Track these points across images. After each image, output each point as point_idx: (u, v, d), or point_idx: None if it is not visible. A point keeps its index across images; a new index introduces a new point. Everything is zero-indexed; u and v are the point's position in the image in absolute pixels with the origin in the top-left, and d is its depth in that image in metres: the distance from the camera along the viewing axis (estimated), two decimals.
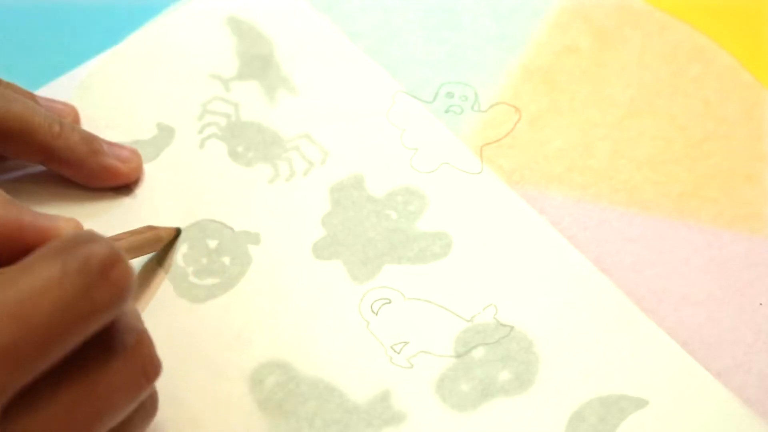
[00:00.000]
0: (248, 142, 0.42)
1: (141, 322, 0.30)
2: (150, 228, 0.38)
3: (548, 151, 0.41)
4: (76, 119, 0.42)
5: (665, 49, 0.44)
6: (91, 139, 0.40)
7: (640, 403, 0.34)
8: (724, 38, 0.44)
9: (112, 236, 0.34)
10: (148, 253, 0.38)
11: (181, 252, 0.39)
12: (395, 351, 0.36)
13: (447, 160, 0.41)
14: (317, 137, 0.42)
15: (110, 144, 0.40)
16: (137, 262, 0.38)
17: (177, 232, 0.39)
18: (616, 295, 0.37)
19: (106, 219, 0.40)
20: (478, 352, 0.36)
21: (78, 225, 0.30)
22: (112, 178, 0.40)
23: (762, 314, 0.36)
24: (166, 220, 0.39)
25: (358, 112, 0.43)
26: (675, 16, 0.45)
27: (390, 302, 0.37)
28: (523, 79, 0.43)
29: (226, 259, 0.38)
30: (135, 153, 0.41)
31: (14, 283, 0.25)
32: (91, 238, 0.27)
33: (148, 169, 0.41)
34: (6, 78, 0.40)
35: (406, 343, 0.36)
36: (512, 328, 0.36)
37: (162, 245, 0.38)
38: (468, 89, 0.43)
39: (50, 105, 0.41)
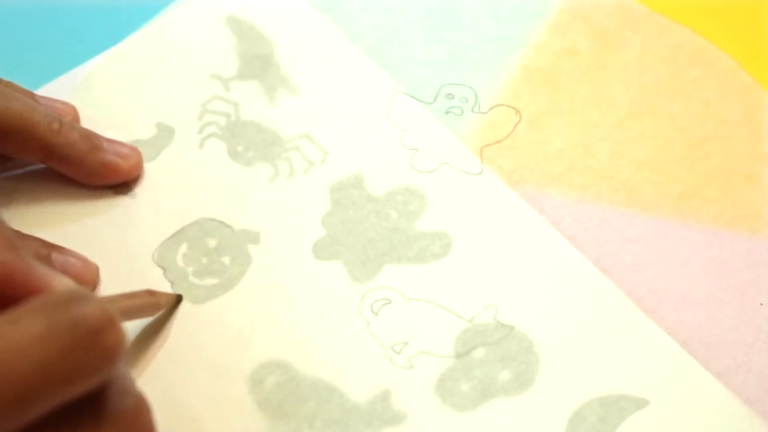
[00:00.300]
0: (248, 141, 0.42)
1: (136, 387, 0.29)
2: (149, 292, 0.36)
3: (548, 151, 0.41)
4: (75, 119, 0.42)
5: (665, 50, 0.44)
6: (90, 137, 0.40)
7: (641, 403, 0.34)
8: (723, 40, 0.44)
9: (107, 297, 0.33)
10: (143, 317, 0.36)
11: (180, 252, 0.39)
12: (395, 351, 0.36)
13: (447, 160, 0.41)
14: (317, 137, 0.42)
15: (110, 141, 0.40)
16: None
17: (177, 300, 0.37)
18: (616, 295, 0.37)
19: (106, 218, 0.39)
20: (479, 352, 0.36)
21: (73, 284, 0.28)
22: (112, 175, 0.40)
23: (762, 314, 0.36)
24: (165, 220, 0.39)
25: (358, 112, 0.43)
26: (675, 20, 0.45)
27: (390, 302, 0.37)
28: (523, 80, 0.43)
29: (226, 259, 0.38)
30: (135, 150, 0.41)
31: None
32: (84, 297, 0.26)
33: (148, 168, 0.41)
34: (6, 78, 0.40)
35: (406, 343, 0.36)
36: (512, 328, 0.36)
37: (159, 312, 0.36)
38: (468, 90, 0.43)
39: (50, 104, 0.41)
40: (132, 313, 0.34)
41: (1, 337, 0.24)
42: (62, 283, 0.28)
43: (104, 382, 0.26)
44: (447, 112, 0.42)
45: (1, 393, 0.24)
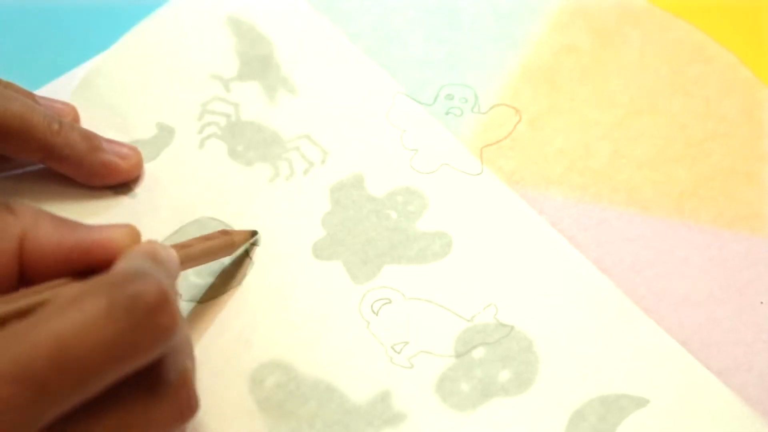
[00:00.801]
0: (248, 141, 0.42)
1: (189, 356, 0.30)
2: (224, 232, 0.37)
3: (548, 151, 0.41)
4: (75, 119, 0.42)
5: (665, 47, 0.44)
6: (90, 137, 0.40)
7: (641, 402, 0.34)
8: (724, 36, 0.44)
9: (183, 242, 0.34)
10: (222, 257, 0.37)
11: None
12: (395, 351, 0.36)
13: (447, 161, 0.41)
14: (317, 137, 0.42)
15: (110, 141, 0.41)
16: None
17: (252, 235, 0.38)
18: (616, 295, 0.37)
19: (106, 218, 0.39)
20: (479, 352, 0.35)
21: (133, 231, 0.30)
22: (112, 175, 0.40)
23: (762, 314, 0.36)
24: (165, 220, 0.39)
25: (358, 113, 0.43)
26: (675, 15, 0.45)
27: (390, 302, 0.37)
28: (522, 79, 0.43)
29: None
30: (135, 150, 0.41)
31: (60, 316, 0.25)
32: (143, 275, 0.27)
33: (148, 168, 0.41)
34: (6, 78, 0.40)
35: (406, 343, 0.36)
36: (512, 327, 0.36)
37: (235, 250, 0.38)
38: (468, 91, 0.43)
39: (50, 105, 0.41)
40: (210, 255, 0.36)
41: (64, 318, 0.25)
42: (121, 236, 0.30)
43: (157, 358, 0.27)
44: (447, 113, 0.42)
45: (64, 373, 0.25)
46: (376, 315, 0.37)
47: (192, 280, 0.38)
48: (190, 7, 0.46)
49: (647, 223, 0.39)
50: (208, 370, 0.35)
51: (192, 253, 0.34)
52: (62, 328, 0.25)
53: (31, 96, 0.40)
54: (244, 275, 0.38)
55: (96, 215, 0.40)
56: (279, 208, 0.40)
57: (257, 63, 0.44)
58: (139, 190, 0.41)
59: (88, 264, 0.29)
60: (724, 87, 0.43)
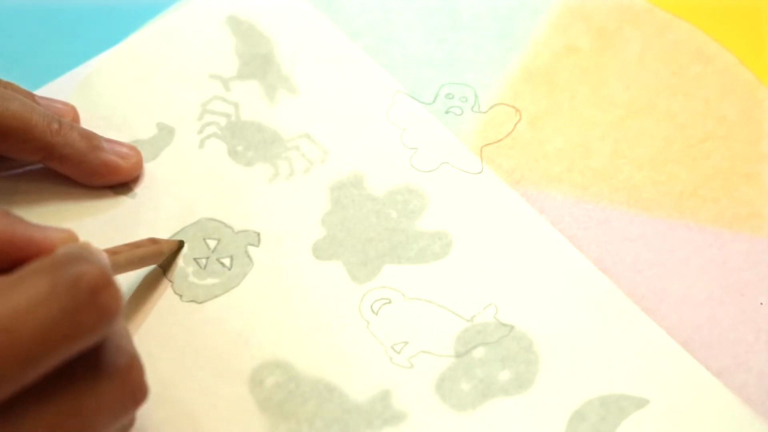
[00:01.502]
0: (248, 141, 0.42)
1: (132, 344, 0.30)
2: (152, 240, 0.37)
3: (548, 150, 0.41)
4: (75, 119, 0.42)
5: (665, 48, 0.44)
6: (90, 136, 0.40)
7: (641, 403, 0.34)
8: (724, 37, 0.44)
9: (111, 248, 0.34)
10: (149, 265, 0.37)
11: (181, 252, 0.39)
12: (395, 351, 0.36)
13: (447, 159, 0.41)
14: (317, 137, 0.42)
15: (110, 141, 0.40)
16: (141, 271, 0.38)
17: (179, 245, 0.39)
18: (616, 295, 0.37)
19: (106, 218, 0.39)
20: (479, 352, 0.36)
21: (72, 236, 0.30)
22: (111, 175, 0.40)
23: (762, 314, 0.36)
24: (165, 220, 0.39)
25: (358, 112, 0.43)
26: (675, 15, 0.45)
27: (390, 302, 0.37)
28: (523, 79, 0.43)
29: (226, 259, 0.38)
30: (135, 150, 0.41)
31: (1, 298, 0.25)
32: (83, 257, 0.27)
33: (148, 168, 0.41)
34: (6, 78, 0.40)
35: (406, 342, 0.36)
36: (512, 327, 0.36)
37: (163, 259, 0.38)
38: (468, 90, 0.43)
39: (49, 104, 0.41)
40: (137, 262, 0.36)
41: (6, 299, 0.25)
42: (62, 236, 0.29)
43: (101, 340, 0.27)
44: (447, 112, 0.42)
45: (7, 354, 0.25)
46: (376, 315, 0.37)
47: (191, 281, 0.38)
48: (190, 7, 0.46)
49: (647, 223, 0.39)
50: (208, 369, 0.35)
51: (119, 261, 0.33)
52: (4, 310, 0.25)
53: (31, 96, 0.40)
54: (244, 275, 0.38)
55: (96, 215, 0.40)
56: (279, 207, 0.40)
57: (257, 62, 0.44)
58: (139, 190, 0.41)
59: (20, 259, 0.28)
60: (724, 87, 0.43)
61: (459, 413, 0.34)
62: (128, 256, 0.34)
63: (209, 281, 0.38)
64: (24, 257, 0.28)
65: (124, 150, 0.41)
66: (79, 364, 0.27)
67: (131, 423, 0.32)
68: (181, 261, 0.38)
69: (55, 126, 0.38)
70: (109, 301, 0.26)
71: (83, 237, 0.38)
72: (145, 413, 0.33)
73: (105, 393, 0.28)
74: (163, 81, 0.44)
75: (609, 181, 0.40)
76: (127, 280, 0.37)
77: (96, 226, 0.39)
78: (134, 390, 0.29)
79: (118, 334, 0.29)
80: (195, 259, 0.38)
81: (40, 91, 0.42)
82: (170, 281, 0.38)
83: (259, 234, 0.39)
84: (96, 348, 0.27)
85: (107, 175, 0.40)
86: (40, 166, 0.40)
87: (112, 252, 0.33)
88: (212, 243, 0.39)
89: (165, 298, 0.37)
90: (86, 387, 0.27)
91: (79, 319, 0.26)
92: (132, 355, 0.29)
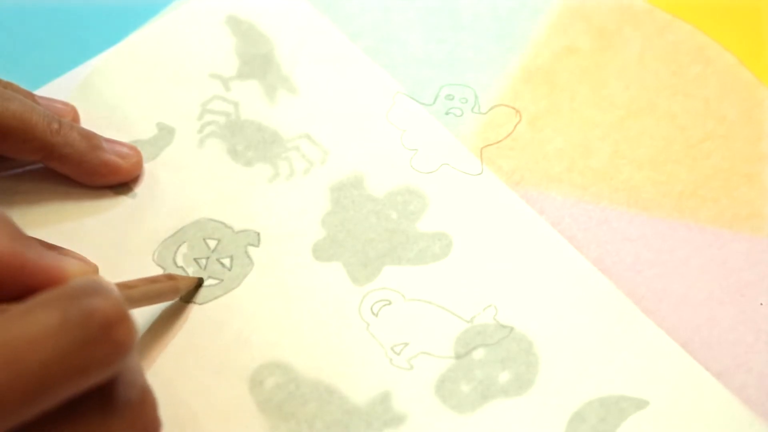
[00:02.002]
0: (248, 141, 0.42)
1: (144, 378, 0.29)
2: (168, 276, 0.36)
3: (548, 151, 0.41)
4: (75, 118, 0.42)
5: (665, 48, 0.44)
6: (90, 136, 0.40)
7: (641, 404, 0.34)
8: (724, 37, 0.44)
9: (127, 282, 0.33)
10: (165, 301, 0.36)
11: (181, 252, 0.39)
12: (395, 352, 0.36)
13: (447, 161, 0.41)
14: (317, 137, 0.42)
15: (110, 141, 0.40)
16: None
17: (199, 283, 0.38)
18: (616, 295, 0.37)
19: (106, 218, 0.40)
20: (479, 353, 0.36)
21: (86, 267, 0.29)
22: (111, 174, 0.40)
23: (762, 314, 0.36)
24: (165, 220, 0.39)
25: (358, 113, 0.43)
26: (675, 15, 0.45)
27: (390, 303, 0.37)
28: (522, 80, 0.43)
29: (226, 260, 0.38)
30: (135, 149, 0.41)
31: (11, 327, 0.25)
32: (98, 290, 0.26)
33: (148, 168, 0.41)
34: (6, 78, 0.40)
35: (406, 344, 0.36)
36: (512, 329, 0.36)
37: (179, 295, 0.37)
38: (468, 91, 0.43)
39: (49, 104, 0.41)
40: (153, 298, 0.35)
41: (16, 329, 0.25)
42: (75, 268, 0.28)
43: (113, 375, 0.27)
44: (447, 113, 0.42)
45: (13, 385, 0.24)
46: (376, 316, 0.37)
47: None
48: (190, 7, 0.46)
49: (647, 223, 0.39)
50: (208, 370, 0.35)
51: (133, 295, 0.33)
52: (13, 340, 0.24)
53: (31, 96, 0.40)
54: (244, 276, 0.38)
55: (96, 215, 0.40)
56: (279, 207, 0.40)
57: (257, 62, 0.44)
58: (139, 190, 0.41)
59: (31, 287, 0.28)
60: (724, 88, 0.43)
61: (459, 414, 0.34)
62: (144, 290, 0.34)
63: (209, 281, 0.38)
64: (35, 285, 0.28)
65: (124, 150, 0.41)
66: (91, 398, 0.26)
67: None
68: (181, 261, 0.38)
69: (55, 126, 0.38)
70: (124, 336, 0.26)
71: (83, 237, 0.39)
72: None
73: (116, 429, 0.27)
74: (163, 81, 0.44)
75: (609, 182, 0.40)
76: None
77: (96, 226, 0.39)
78: (146, 425, 0.29)
79: (132, 369, 0.28)
80: (195, 259, 0.38)
81: (40, 91, 0.42)
82: None
83: (259, 234, 0.39)
84: (109, 383, 0.27)
85: (107, 175, 0.40)
86: (40, 166, 0.40)
87: (127, 286, 0.33)
88: (212, 243, 0.39)
89: None
90: (98, 422, 0.27)
91: (90, 353, 0.25)
92: (145, 389, 0.29)
